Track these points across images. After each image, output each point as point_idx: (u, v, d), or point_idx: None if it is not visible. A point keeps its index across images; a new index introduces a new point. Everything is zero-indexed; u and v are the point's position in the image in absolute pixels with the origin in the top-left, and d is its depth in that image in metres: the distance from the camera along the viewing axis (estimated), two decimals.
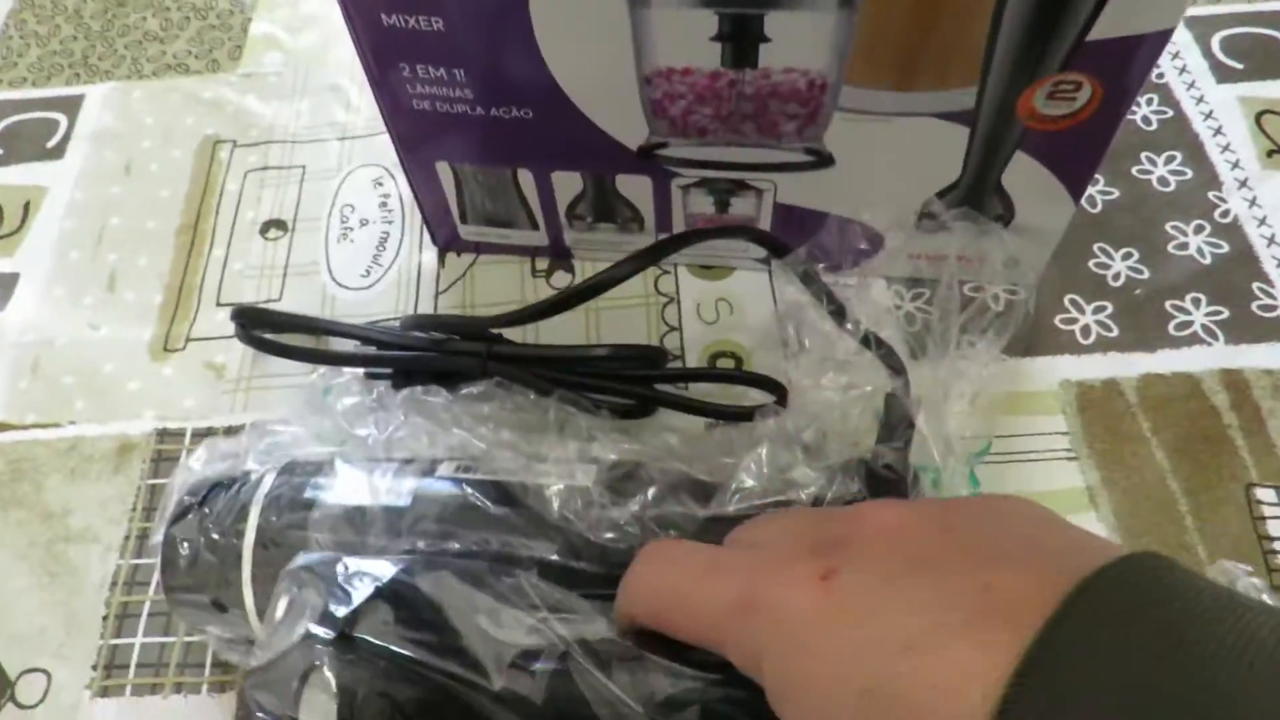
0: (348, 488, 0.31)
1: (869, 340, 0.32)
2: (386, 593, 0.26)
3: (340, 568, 0.27)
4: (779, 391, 0.37)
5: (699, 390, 0.40)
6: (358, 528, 0.30)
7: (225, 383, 0.44)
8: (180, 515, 0.32)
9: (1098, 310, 0.44)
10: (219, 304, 0.46)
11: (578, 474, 0.30)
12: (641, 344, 0.41)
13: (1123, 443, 0.40)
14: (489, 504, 0.30)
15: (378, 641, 0.25)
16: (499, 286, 0.46)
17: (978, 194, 0.39)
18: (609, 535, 0.28)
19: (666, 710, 0.24)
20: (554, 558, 0.28)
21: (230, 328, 0.42)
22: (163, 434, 0.42)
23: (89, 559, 0.39)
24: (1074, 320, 0.44)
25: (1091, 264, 0.45)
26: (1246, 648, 0.16)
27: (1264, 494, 0.38)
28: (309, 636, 0.25)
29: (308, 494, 0.31)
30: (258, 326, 0.41)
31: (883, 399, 0.31)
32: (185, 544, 0.31)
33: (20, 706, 0.36)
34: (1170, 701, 0.15)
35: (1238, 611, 0.17)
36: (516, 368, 0.36)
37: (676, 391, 0.40)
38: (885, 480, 0.29)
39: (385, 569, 0.26)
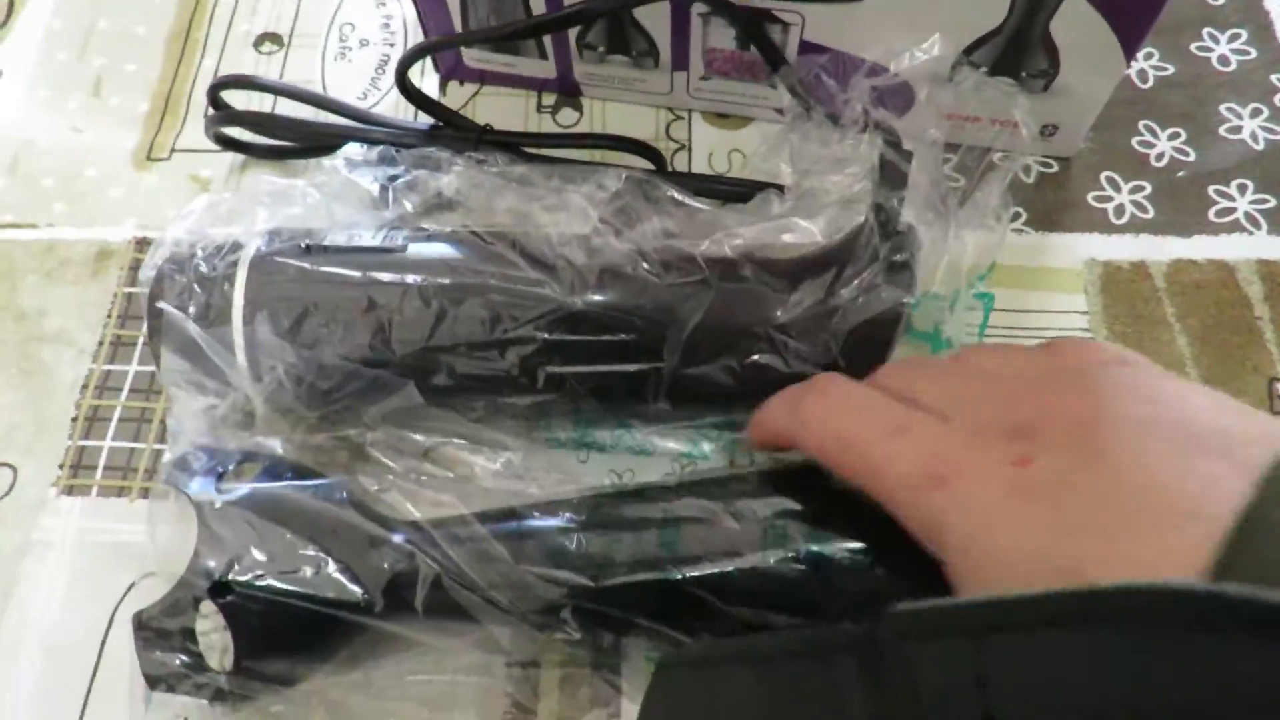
0: (346, 234, 0.31)
1: (867, 122, 0.31)
2: (258, 536, 0.28)
3: (209, 497, 0.28)
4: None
5: None
6: (358, 263, 0.30)
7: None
8: (173, 256, 0.32)
9: (1135, 190, 0.41)
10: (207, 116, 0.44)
11: (577, 220, 0.29)
12: (641, 140, 0.39)
13: (1144, 326, 0.38)
14: (485, 241, 0.30)
15: (257, 589, 0.27)
16: (501, 120, 0.43)
17: (1022, 43, 0.36)
18: (610, 272, 0.29)
19: (543, 613, 0.26)
20: (550, 292, 0.29)
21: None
22: (143, 243, 0.40)
23: (62, 361, 0.38)
24: (1108, 198, 0.41)
25: (1134, 141, 0.42)
26: None
27: None
28: (187, 584, 0.27)
29: (307, 238, 0.31)
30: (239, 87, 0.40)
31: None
32: (176, 278, 0.31)
33: None
34: None
35: None
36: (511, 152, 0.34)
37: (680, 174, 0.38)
38: (892, 212, 0.29)
39: (251, 495, 0.28)
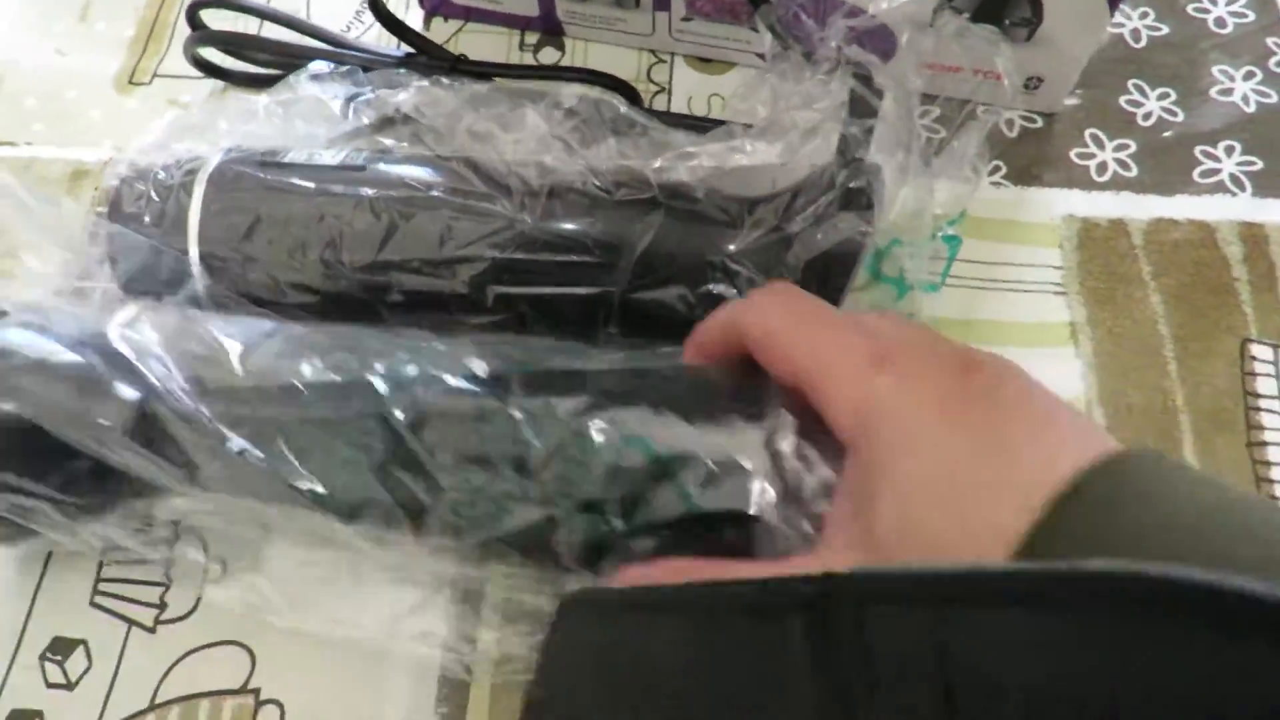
0: (305, 153, 0.32)
1: (840, 60, 0.30)
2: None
3: None
4: None
5: None
6: (314, 177, 0.30)
7: None
8: (135, 167, 0.32)
9: (1119, 148, 0.41)
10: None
11: (533, 139, 0.29)
12: (615, 75, 0.38)
13: (1118, 283, 0.37)
14: (441, 159, 0.30)
15: None
16: (484, 57, 0.43)
17: None
18: (560, 189, 0.29)
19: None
20: (501, 209, 0.29)
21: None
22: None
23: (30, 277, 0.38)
24: (1091, 155, 0.40)
25: (1122, 100, 0.42)
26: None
27: (1260, 350, 0.36)
28: None
29: (266, 153, 0.32)
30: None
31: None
32: (137, 186, 0.31)
33: None
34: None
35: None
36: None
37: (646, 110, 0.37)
38: (854, 141, 0.29)
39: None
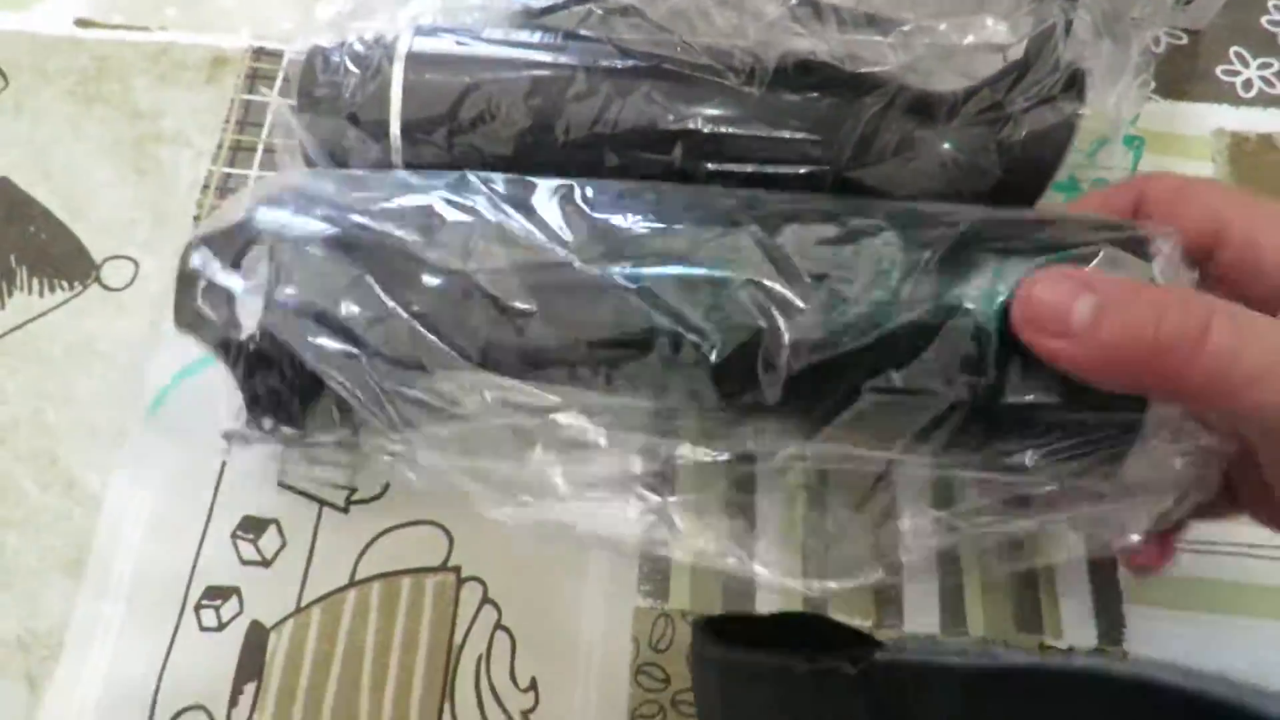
0: (502, 31, 0.30)
1: None
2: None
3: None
4: None
5: None
6: (521, 48, 0.30)
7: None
8: (325, 40, 0.31)
9: (1263, 66, 0.41)
10: None
11: (755, 10, 0.28)
12: None
13: (1271, 197, 0.38)
14: (657, 28, 0.29)
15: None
16: None
17: None
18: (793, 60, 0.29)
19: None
20: (728, 81, 0.29)
21: None
22: (259, 52, 0.39)
23: (180, 161, 0.37)
24: (1236, 73, 0.41)
25: (1264, 20, 0.42)
26: None
27: None
28: (252, 219, 0.25)
29: (462, 29, 0.31)
30: None
31: None
32: (331, 59, 0.30)
33: (107, 288, 0.35)
34: None
35: None
36: None
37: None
38: (1076, 23, 0.29)
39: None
